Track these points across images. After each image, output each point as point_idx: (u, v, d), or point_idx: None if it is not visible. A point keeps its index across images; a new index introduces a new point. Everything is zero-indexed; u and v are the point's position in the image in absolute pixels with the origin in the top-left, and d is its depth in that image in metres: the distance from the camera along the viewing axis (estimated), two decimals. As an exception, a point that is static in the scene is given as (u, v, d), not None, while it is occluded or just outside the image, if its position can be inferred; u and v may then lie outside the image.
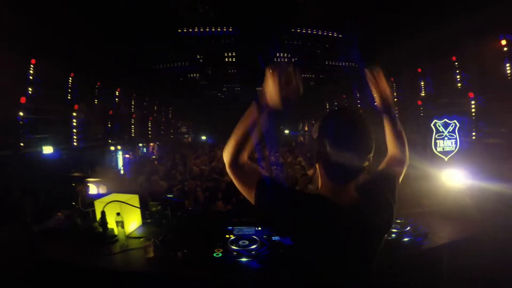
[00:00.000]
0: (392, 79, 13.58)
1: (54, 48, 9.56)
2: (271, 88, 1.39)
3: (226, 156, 1.50)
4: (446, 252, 2.60)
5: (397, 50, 11.07)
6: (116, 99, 14.95)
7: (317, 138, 1.40)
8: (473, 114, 8.36)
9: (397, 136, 1.64)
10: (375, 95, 1.64)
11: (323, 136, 1.35)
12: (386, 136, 1.66)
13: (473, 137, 8.19)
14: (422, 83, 11.44)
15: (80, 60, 11.24)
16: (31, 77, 9.75)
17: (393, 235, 2.57)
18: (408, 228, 2.66)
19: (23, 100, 9.39)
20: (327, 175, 1.40)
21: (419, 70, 11.44)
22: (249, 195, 1.48)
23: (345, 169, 1.33)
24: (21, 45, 8.48)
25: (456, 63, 9.28)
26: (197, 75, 18.37)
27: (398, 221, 2.78)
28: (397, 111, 1.62)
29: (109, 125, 14.31)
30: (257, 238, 2.66)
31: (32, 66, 9.52)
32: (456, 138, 4.80)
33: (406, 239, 2.56)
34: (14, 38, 7.89)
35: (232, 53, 15.01)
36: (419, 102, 11.54)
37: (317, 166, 1.47)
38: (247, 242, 2.54)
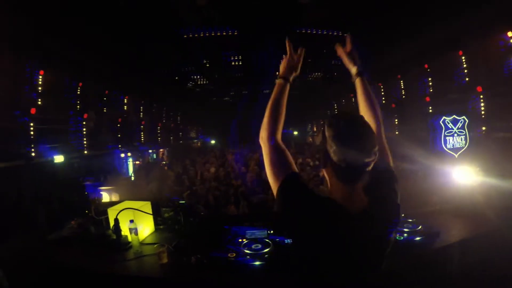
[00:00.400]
0: (399, 76, 13.57)
1: (62, 57, 9.72)
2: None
3: (264, 131, 1.58)
4: (457, 251, 2.59)
5: (403, 48, 11.06)
6: (125, 107, 15.12)
7: (324, 140, 1.41)
8: (482, 108, 8.29)
9: (372, 105, 1.74)
10: (346, 62, 1.84)
11: (329, 137, 1.36)
12: (360, 108, 1.77)
13: (483, 132, 8.12)
14: (429, 79, 11.35)
15: (88, 69, 11.41)
16: (40, 88, 9.92)
17: (405, 235, 2.57)
18: (420, 227, 2.65)
19: (33, 111, 9.54)
20: (337, 177, 1.40)
21: (426, 66, 11.38)
22: (274, 181, 1.48)
23: (354, 168, 1.33)
24: (30, 56, 8.64)
25: (463, 58, 9.23)
26: (204, 79, 18.49)
27: (410, 220, 2.78)
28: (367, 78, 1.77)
29: (119, 132, 14.46)
30: (270, 242, 2.68)
31: (41, 77, 9.66)
32: (465, 135, 4.78)
33: (418, 238, 2.56)
34: (22, 49, 8.04)
35: (237, 56, 15.10)
36: (427, 99, 11.48)
37: (324, 170, 1.47)
38: (260, 246, 2.56)
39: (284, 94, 1.66)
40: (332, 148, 1.34)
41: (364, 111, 1.71)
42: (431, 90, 11.26)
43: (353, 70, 1.80)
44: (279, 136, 1.58)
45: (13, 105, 8.46)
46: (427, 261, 2.52)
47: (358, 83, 1.78)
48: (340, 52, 1.85)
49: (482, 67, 8.32)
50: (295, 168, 1.50)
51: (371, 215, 1.35)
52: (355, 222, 1.33)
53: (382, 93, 14.69)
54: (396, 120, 13.99)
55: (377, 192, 1.42)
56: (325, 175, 1.48)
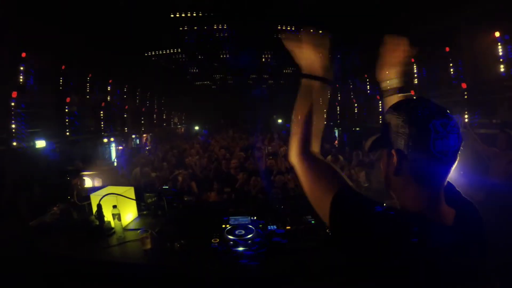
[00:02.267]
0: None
1: (45, 40, 9.49)
2: (310, 55, 1.25)
3: (294, 144, 1.22)
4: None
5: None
6: (108, 89, 14.89)
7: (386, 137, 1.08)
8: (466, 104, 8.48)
9: None
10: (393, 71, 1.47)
11: (400, 125, 1.01)
12: None
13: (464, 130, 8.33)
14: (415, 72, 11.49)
15: (71, 51, 11.16)
16: (22, 68, 9.68)
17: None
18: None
19: (14, 94, 9.32)
20: (415, 178, 1.03)
21: (412, 60, 11.50)
22: (320, 200, 1.10)
23: (442, 160, 0.97)
24: (12, 38, 8.42)
25: (450, 54, 9.36)
26: (192, 66, 18.41)
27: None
28: None
29: (102, 117, 14.26)
30: (253, 227, 2.69)
31: (23, 59, 9.44)
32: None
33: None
34: (3, 31, 7.82)
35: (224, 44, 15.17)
36: (412, 92, 11.64)
37: (394, 178, 1.09)
38: (243, 232, 2.58)
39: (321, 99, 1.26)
40: (404, 139, 0.99)
41: None
42: (415, 82, 11.36)
43: (395, 82, 1.46)
44: (316, 148, 1.25)
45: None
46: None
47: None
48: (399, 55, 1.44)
49: (468, 63, 8.46)
50: (343, 177, 1.13)
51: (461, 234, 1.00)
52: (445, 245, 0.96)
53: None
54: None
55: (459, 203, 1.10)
56: (395, 185, 1.11)
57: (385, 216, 0.97)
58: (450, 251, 0.95)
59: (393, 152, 1.03)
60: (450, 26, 8.35)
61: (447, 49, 9.27)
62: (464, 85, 8.48)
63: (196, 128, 27.85)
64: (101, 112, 14.19)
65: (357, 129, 15.76)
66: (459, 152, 1.00)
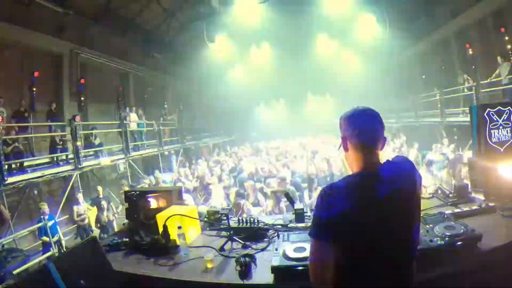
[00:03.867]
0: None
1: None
2: None
3: None
4: (501, 255, 2.54)
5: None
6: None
7: (342, 131, 1.81)
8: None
9: None
10: None
11: (345, 122, 1.79)
12: None
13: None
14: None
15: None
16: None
17: (447, 239, 2.54)
18: (462, 230, 2.62)
19: (78, 118, 10.21)
20: (356, 148, 1.71)
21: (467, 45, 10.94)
22: None
23: (369, 134, 1.71)
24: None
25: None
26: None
27: (451, 223, 2.75)
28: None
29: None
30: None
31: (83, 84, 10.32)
32: (511, 127, 4.58)
33: (459, 243, 2.53)
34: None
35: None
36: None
37: (345, 154, 1.80)
38: (304, 249, 2.60)
39: None
40: (348, 129, 1.72)
41: None
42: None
43: None
44: None
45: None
46: (466, 268, 2.50)
47: None
48: None
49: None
50: None
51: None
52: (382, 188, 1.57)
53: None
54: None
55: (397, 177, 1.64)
56: (347, 158, 1.79)
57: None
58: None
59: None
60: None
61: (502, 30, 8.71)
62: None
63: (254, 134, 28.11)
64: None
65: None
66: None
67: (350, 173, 1.72)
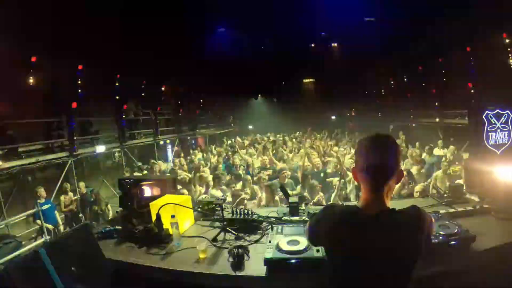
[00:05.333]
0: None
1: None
2: None
3: None
4: (494, 256, 2.55)
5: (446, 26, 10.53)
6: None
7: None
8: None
9: None
10: None
11: (356, 152, 1.75)
12: None
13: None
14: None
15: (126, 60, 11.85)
16: (79, 82, 10.40)
17: (441, 238, 2.55)
18: (456, 229, 2.62)
19: (74, 105, 10.07)
20: (364, 184, 1.66)
21: (468, 49, 10.86)
22: None
23: (375, 175, 1.60)
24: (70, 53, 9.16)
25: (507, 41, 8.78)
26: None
27: (446, 222, 2.75)
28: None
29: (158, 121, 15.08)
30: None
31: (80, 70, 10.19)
32: (509, 130, 4.59)
33: (453, 242, 2.53)
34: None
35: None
36: (470, 84, 11.01)
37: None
38: (297, 242, 2.60)
39: None
40: (359, 160, 1.63)
41: None
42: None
43: None
44: None
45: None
46: (461, 268, 2.52)
47: None
48: None
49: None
50: None
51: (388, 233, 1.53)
52: (374, 231, 1.53)
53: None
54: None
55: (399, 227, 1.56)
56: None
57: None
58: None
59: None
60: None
61: (504, 35, 8.71)
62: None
63: (250, 127, 28.13)
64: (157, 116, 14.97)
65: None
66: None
67: (348, 173, 1.75)
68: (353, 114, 29.38)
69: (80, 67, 11.42)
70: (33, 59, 10.42)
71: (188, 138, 19.22)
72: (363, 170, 1.59)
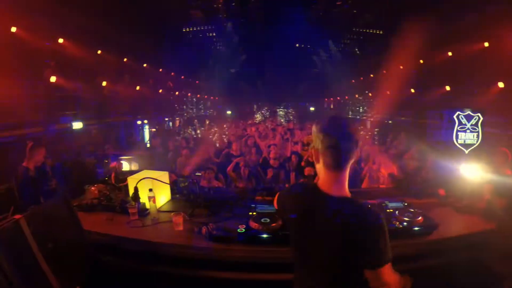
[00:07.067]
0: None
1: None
2: None
3: None
4: (452, 245, 2.73)
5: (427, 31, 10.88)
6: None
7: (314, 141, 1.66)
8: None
9: None
10: None
11: (316, 131, 1.61)
12: None
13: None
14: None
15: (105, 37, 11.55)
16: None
17: (405, 223, 2.71)
18: (420, 217, 2.78)
19: (52, 78, 9.80)
20: (324, 163, 1.61)
21: (448, 54, 11.22)
22: None
23: (337, 153, 1.56)
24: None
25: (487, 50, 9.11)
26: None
27: (411, 210, 2.91)
28: None
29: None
30: (278, 216, 2.80)
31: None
32: (478, 132, 4.82)
33: (416, 228, 2.70)
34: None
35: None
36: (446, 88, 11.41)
37: (316, 165, 1.68)
38: (268, 220, 2.71)
39: None
40: (319, 139, 1.57)
41: None
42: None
43: None
44: None
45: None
46: (421, 252, 2.70)
47: None
48: None
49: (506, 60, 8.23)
50: None
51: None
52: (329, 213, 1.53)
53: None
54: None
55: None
56: (316, 167, 1.67)
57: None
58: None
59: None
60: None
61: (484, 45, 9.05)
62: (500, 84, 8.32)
63: (229, 112, 28.07)
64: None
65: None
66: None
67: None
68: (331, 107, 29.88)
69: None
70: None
71: (166, 119, 19.05)
72: (327, 155, 1.56)
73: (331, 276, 1.57)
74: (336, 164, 1.54)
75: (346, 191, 1.57)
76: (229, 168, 5.85)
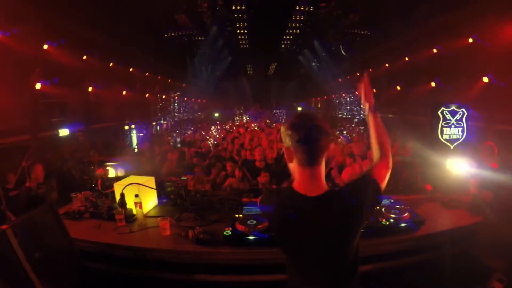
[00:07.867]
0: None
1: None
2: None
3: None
4: (439, 240, 2.75)
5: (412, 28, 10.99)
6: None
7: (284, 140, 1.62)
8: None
9: (381, 136, 1.71)
10: (363, 98, 1.81)
11: (285, 130, 1.57)
12: (370, 137, 1.76)
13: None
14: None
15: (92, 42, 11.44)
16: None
17: (391, 220, 2.73)
18: (406, 214, 2.81)
19: (38, 86, 9.68)
20: (297, 162, 1.58)
21: (434, 50, 11.30)
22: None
23: (309, 148, 1.52)
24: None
25: (472, 44, 9.21)
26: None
27: (398, 206, 2.93)
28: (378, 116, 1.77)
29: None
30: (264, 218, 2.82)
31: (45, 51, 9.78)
32: (463, 127, 4.86)
33: (403, 225, 2.72)
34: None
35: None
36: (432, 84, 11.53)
37: (290, 164, 1.64)
38: (254, 222, 2.71)
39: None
40: (288, 136, 1.52)
41: (374, 142, 1.72)
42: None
43: (367, 106, 1.80)
44: None
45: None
46: (408, 248, 2.71)
47: (370, 118, 1.77)
48: (360, 88, 1.84)
49: (493, 54, 8.32)
50: None
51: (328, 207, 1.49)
52: (311, 209, 1.49)
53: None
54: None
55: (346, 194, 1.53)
56: (290, 167, 1.62)
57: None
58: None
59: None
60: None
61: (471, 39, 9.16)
62: (485, 78, 8.47)
63: (216, 115, 27.96)
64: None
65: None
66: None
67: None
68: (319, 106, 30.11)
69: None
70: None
71: (154, 123, 18.94)
72: (299, 153, 1.52)
73: (330, 276, 1.55)
74: (309, 159, 1.51)
75: (324, 186, 1.53)
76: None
